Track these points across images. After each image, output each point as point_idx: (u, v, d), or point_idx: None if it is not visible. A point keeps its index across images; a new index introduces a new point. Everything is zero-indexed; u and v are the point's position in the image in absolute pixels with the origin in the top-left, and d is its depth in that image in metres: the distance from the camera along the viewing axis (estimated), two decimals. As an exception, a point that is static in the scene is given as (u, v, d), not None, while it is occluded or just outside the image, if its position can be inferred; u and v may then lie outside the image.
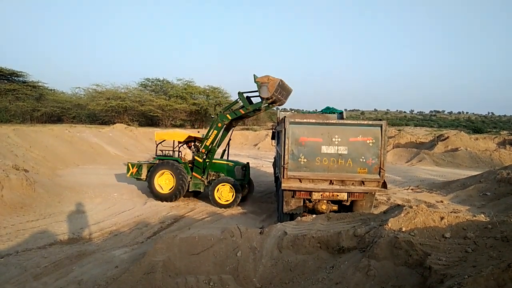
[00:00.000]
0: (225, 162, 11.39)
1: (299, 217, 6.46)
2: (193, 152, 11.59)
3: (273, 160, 13.66)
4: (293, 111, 13.15)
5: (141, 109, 40.76)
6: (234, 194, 10.51)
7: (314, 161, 7.47)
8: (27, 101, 32.86)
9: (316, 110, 16.43)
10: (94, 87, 42.15)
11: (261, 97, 9.65)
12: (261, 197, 12.06)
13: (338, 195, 7.55)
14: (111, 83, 47.58)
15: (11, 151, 14.27)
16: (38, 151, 16.42)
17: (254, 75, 9.52)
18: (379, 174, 7.40)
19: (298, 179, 7.53)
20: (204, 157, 11.00)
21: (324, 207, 7.75)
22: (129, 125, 33.04)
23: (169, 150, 11.77)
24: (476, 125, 59.24)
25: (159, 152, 11.82)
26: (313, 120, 7.71)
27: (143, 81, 47.52)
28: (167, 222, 8.85)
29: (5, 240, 7.03)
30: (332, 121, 8.11)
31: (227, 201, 10.54)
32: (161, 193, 10.85)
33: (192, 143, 11.99)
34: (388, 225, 4.36)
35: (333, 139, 7.40)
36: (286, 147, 7.43)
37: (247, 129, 46.34)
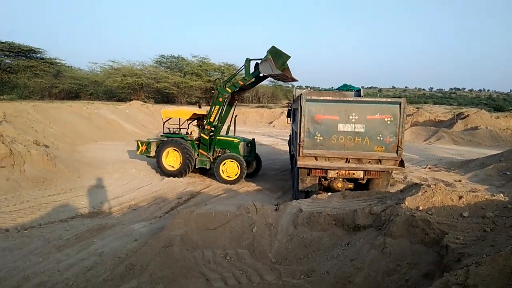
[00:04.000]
0: (230, 138, 11.33)
1: (314, 195, 6.49)
2: (199, 129, 11.63)
3: (288, 138, 13.63)
4: (309, 89, 12.95)
5: (157, 86, 40.85)
6: (239, 170, 10.50)
7: (330, 139, 7.42)
8: (45, 77, 33.28)
9: (332, 87, 16.17)
10: (110, 64, 42.37)
11: (259, 70, 9.61)
12: (276, 175, 12.11)
13: (354, 173, 7.52)
14: (127, 60, 47.75)
15: (31, 127, 14.59)
16: (58, 127, 16.75)
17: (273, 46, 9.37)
18: (397, 153, 7.33)
19: (314, 157, 7.51)
20: (211, 134, 11.06)
21: (339, 185, 7.74)
22: (145, 102, 33.24)
23: (175, 128, 11.90)
24: (498, 103, 57.52)
25: (166, 130, 11.93)
26: (330, 98, 7.62)
27: (159, 58, 47.44)
28: (184, 197, 9.00)
29: (28, 213, 7.28)
30: (349, 99, 8.00)
31: (232, 177, 10.56)
32: (169, 170, 11.07)
33: (199, 121, 11.96)
34: (405, 204, 4.33)
35: (350, 117, 7.31)
36: (302, 125, 7.38)
37: (262, 106, 46.17)
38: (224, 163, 10.60)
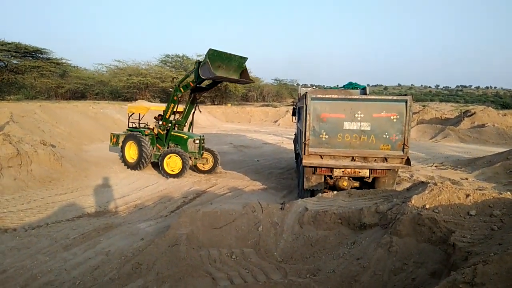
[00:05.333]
0: (181, 134, 11.59)
1: (320, 194, 6.47)
2: (156, 125, 12.10)
3: (293, 137, 13.62)
4: (314, 87, 12.97)
5: (162, 85, 40.94)
6: (182, 165, 10.76)
7: (336, 137, 7.40)
8: (51, 78, 33.43)
9: (338, 85, 16.13)
10: (116, 64, 42.56)
11: (200, 73, 10.02)
12: (282, 174, 12.10)
13: (360, 172, 7.50)
14: (132, 60, 47.93)
15: (38, 126, 14.73)
16: (64, 127, 16.89)
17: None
18: (403, 151, 7.28)
19: (319, 155, 7.49)
20: (167, 129, 11.54)
21: (345, 183, 7.71)
22: (150, 101, 33.33)
23: (136, 123, 12.61)
24: (505, 100, 57.06)
25: (136, 125, 12.60)
26: (335, 96, 7.59)
27: (163, 58, 47.62)
28: (189, 196, 9.03)
29: (36, 212, 7.34)
30: (355, 97, 7.97)
31: (176, 171, 10.85)
32: (129, 162, 11.68)
33: (159, 116, 12.22)
34: (411, 202, 4.31)
35: (356, 115, 7.28)
36: (307, 123, 7.36)
37: (267, 105, 46.24)
38: (170, 157, 10.91)
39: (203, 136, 11.77)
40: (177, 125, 11.91)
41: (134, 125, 12.55)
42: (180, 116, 12.23)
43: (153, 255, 4.55)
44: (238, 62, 10.33)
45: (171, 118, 11.89)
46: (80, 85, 38.79)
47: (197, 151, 11.35)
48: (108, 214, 7.60)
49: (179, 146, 11.45)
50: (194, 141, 11.35)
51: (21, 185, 8.88)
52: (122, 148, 11.86)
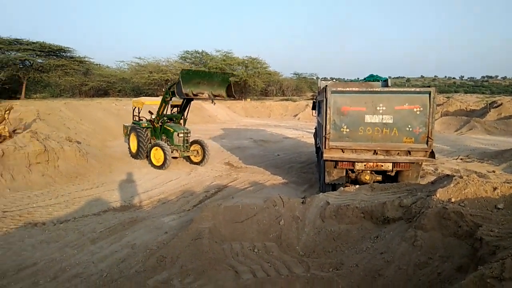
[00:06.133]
0: (169, 128, 12.09)
1: (341, 188, 6.42)
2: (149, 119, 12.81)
3: (314, 131, 13.53)
4: (334, 80, 12.86)
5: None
6: (164, 157, 11.29)
7: (357, 130, 7.32)
8: (75, 76, 34.29)
9: (358, 78, 15.89)
10: (137, 61, 43.21)
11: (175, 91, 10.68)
12: (302, 168, 12.06)
13: (382, 166, 7.40)
14: (153, 57, 48.58)
15: (64, 124, 15.15)
16: (88, 124, 17.30)
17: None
18: (427, 144, 7.14)
19: (341, 149, 7.43)
20: (160, 123, 12.22)
21: (367, 177, 7.62)
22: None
23: (135, 116, 13.30)
24: (534, 91, 54.85)
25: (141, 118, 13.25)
26: (356, 89, 7.49)
27: (183, 54, 48.02)
28: (211, 191, 9.12)
29: (63, 207, 7.58)
30: (377, 89, 7.84)
31: (160, 162, 11.43)
32: (132, 152, 12.72)
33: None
34: (436, 196, 4.23)
35: (378, 108, 7.17)
36: (327, 117, 7.30)
37: (287, 99, 46.01)
38: (156, 149, 11.55)
39: (188, 130, 12.26)
40: (174, 119, 12.68)
41: (139, 119, 13.26)
42: (177, 110, 12.81)
43: (177, 249, 4.63)
44: (221, 78, 11.40)
45: (169, 112, 12.75)
46: (103, 83, 39.60)
47: (181, 144, 11.90)
48: (133, 208, 7.77)
49: (169, 139, 12.12)
50: (178, 134, 11.87)
51: (49, 181, 9.18)
52: (128, 139, 12.88)
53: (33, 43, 27.72)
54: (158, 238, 5.53)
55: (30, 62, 28.49)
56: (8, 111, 10.72)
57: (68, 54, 31.61)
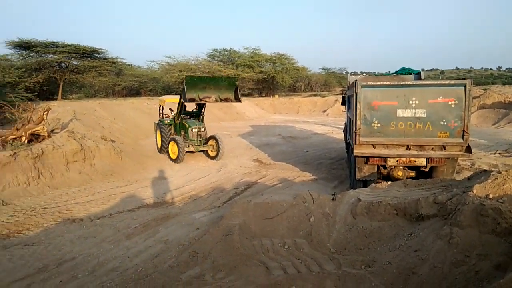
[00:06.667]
0: (186, 124, 12.60)
1: (373, 184, 6.31)
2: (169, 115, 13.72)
3: (343, 126, 13.35)
4: (364, 74, 12.62)
5: (211, 79, 41.57)
6: (177, 150, 11.83)
7: (388, 125, 7.15)
8: (108, 76, 35.24)
9: (389, 71, 15.49)
10: (167, 60, 43.96)
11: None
12: (332, 164, 11.93)
13: (415, 161, 7.20)
14: (182, 56, 49.25)
15: (98, 123, 15.68)
16: (122, 123, 17.83)
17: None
18: (463, 138, 6.88)
19: (372, 144, 7.29)
20: (180, 119, 12.80)
21: (400, 173, 7.44)
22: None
23: (161, 113, 14.00)
24: None
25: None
26: (387, 82, 7.32)
27: (211, 52, 48.32)
28: (240, 188, 9.19)
29: (100, 203, 7.87)
30: (409, 83, 7.62)
31: (175, 155, 12.00)
32: (158, 147, 13.46)
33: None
34: (473, 192, 4.07)
35: (410, 102, 6.98)
36: (357, 112, 7.18)
37: (315, 95, 45.54)
38: (173, 144, 12.16)
39: (202, 125, 12.74)
40: (195, 116, 13.34)
41: (166, 116, 13.89)
42: (196, 108, 13.37)
43: (208, 244, 4.70)
44: (227, 82, 11.94)
45: (190, 109, 13.42)
46: (135, 83, 40.54)
47: (195, 139, 12.39)
48: (165, 205, 7.95)
49: (185, 134, 12.71)
50: (192, 129, 12.36)
51: (85, 178, 9.55)
52: (156, 135, 13.65)
53: (69, 45, 28.68)
54: (190, 233, 5.64)
55: (66, 64, 29.56)
56: (46, 112, 11.20)
57: (102, 55, 32.51)
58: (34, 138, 10.29)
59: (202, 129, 12.60)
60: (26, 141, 9.89)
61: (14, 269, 4.84)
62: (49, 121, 11.94)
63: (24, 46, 27.46)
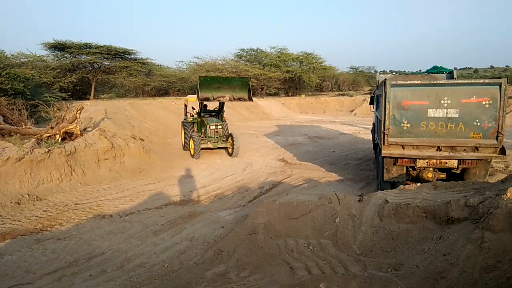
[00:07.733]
0: (206, 122, 13.00)
1: (401, 185, 6.16)
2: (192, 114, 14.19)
3: (371, 126, 13.10)
4: (394, 73, 12.36)
5: (238, 79, 41.81)
6: (194, 146, 12.35)
7: (419, 126, 6.96)
8: (138, 76, 36.13)
9: (420, 70, 15.08)
10: (195, 60, 44.59)
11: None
12: (359, 165, 11.74)
13: (446, 163, 6.98)
14: (210, 56, 49.79)
15: (129, 122, 16.08)
16: (151, 122, 18.22)
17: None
18: (497, 139, 6.61)
19: (401, 145, 7.12)
20: (201, 118, 13.38)
21: (430, 175, 7.23)
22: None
23: (186, 112, 14.58)
24: None
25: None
26: (418, 82, 7.11)
27: (239, 52, 48.58)
28: (265, 187, 9.19)
29: (128, 200, 8.07)
30: (441, 82, 7.39)
31: (193, 152, 12.53)
32: (182, 144, 13.94)
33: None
34: (506, 195, 3.91)
35: (442, 101, 6.77)
36: (386, 111, 7.02)
37: (343, 94, 44.97)
38: (192, 141, 12.61)
39: (220, 123, 13.08)
40: (214, 114, 14.05)
41: (191, 115, 14.31)
42: (218, 107, 14.07)
43: (233, 243, 4.74)
44: (241, 82, 12.66)
45: (211, 108, 14.23)
46: (163, 83, 41.32)
47: (213, 136, 12.76)
48: (192, 203, 8.07)
49: (205, 131, 13.14)
50: (210, 127, 12.78)
51: (115, 176, 9.83)
52: (181, 133, 14.20)
53: (101, 46, 29.61)
54: (215, 232, 5.71)
55: (98, 65, 30.55)
56: (79, 111, 11.58)
57: (132, 56, 33.36)
58: (68, 136, 10.67)
59: (220, 127, 12.94)
60: (60, 139, 10.26)
61: (46, 262, 5.05)
62: (81, 120, 12.34)
63: (59, 47, 28.59)
